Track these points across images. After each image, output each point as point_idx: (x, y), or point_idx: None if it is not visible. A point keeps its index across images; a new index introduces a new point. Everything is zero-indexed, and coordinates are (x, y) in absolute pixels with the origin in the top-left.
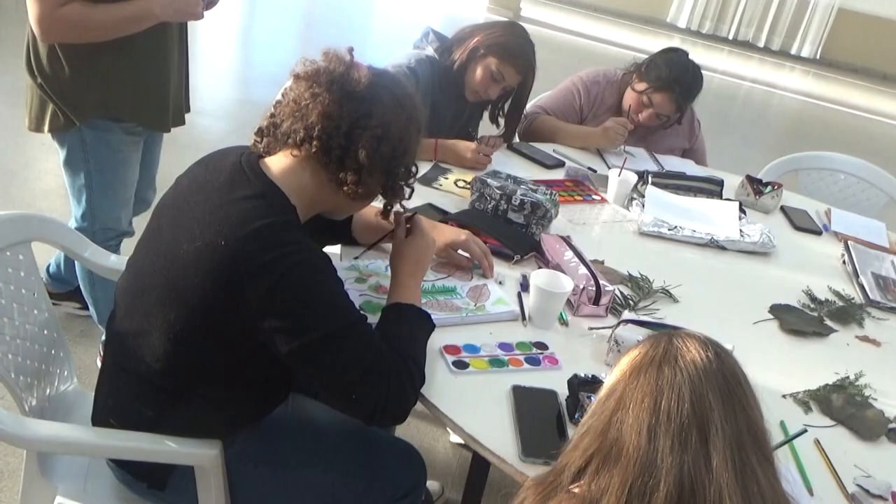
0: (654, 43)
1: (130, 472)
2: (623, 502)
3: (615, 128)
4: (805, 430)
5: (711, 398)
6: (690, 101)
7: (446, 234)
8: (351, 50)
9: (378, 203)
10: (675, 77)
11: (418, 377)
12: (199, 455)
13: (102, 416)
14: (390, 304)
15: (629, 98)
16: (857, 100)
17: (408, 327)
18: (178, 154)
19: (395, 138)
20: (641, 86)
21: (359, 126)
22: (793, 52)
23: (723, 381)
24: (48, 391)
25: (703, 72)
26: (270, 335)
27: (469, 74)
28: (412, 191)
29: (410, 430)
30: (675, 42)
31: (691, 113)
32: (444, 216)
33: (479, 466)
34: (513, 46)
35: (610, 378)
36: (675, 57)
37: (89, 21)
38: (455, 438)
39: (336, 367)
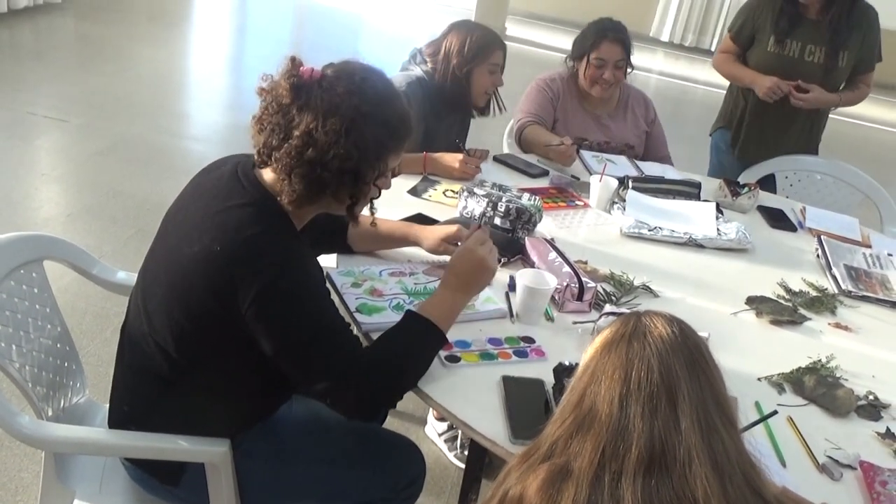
0: (638, 57)
1: (145, 469)
2: (596, 464)
3: (564, 150)
4: (776, 412)
5: (678, 368)
6: (626, 36)
7: (437, 231)
8: (292, 60)
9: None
10: (601, 28)
11: (397, 388)
12: (210, 452)
13: (119, 418)
14: (411, 312)
15: (584, 76)
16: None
17: (409, 340)
18: (175, 179)
19: (323, 143)
20: (584, 57)
21: (286, 137)
22: None
23: (688, 353)
24: (62, 402)
25: (686, 84)
26: (257, 337)
27: (475, 89)
28: (378, 191)
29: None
30: (659, 56)
31: (643, 97)
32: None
33: (475, 453)
34: (480, 37)
35: (584, 356)
36: (589, 24)
37: None
38: (430, 433)
39: (312, 374)
